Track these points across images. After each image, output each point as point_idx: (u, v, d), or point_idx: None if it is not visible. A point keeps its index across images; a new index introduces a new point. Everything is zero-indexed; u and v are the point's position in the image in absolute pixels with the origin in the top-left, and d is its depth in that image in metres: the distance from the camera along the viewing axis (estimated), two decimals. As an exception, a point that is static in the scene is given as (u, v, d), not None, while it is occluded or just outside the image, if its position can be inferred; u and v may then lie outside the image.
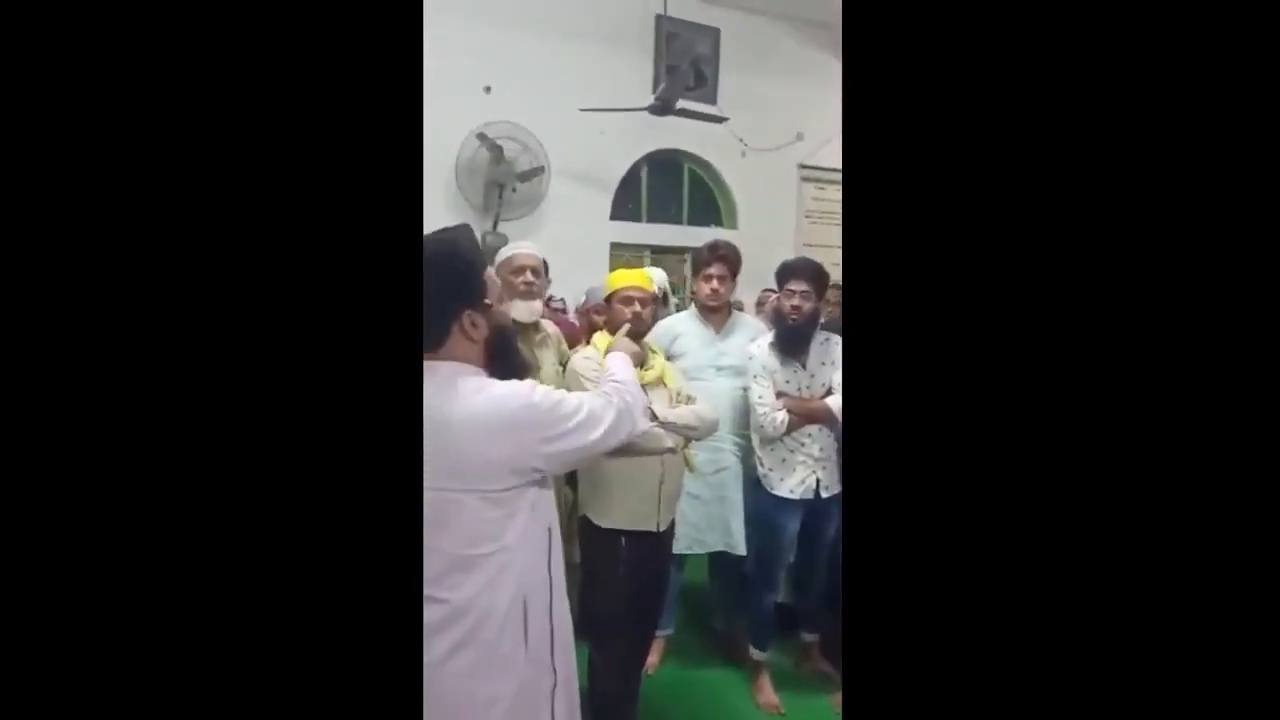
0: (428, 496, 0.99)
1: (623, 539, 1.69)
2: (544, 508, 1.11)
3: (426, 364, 1.07)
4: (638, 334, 1.70)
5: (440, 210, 4.12)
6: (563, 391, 1.13)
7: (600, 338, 1.76)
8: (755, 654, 2.28)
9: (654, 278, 1.92)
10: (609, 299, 1.79)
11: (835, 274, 1.99)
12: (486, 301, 1.10)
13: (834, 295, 2.68)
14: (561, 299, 3.67)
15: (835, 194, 5.39)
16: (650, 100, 4.20)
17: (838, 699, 2.18)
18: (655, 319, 1.91)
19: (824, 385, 2.14)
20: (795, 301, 2.09)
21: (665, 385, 1.77)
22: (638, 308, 1.73)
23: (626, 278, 1.78)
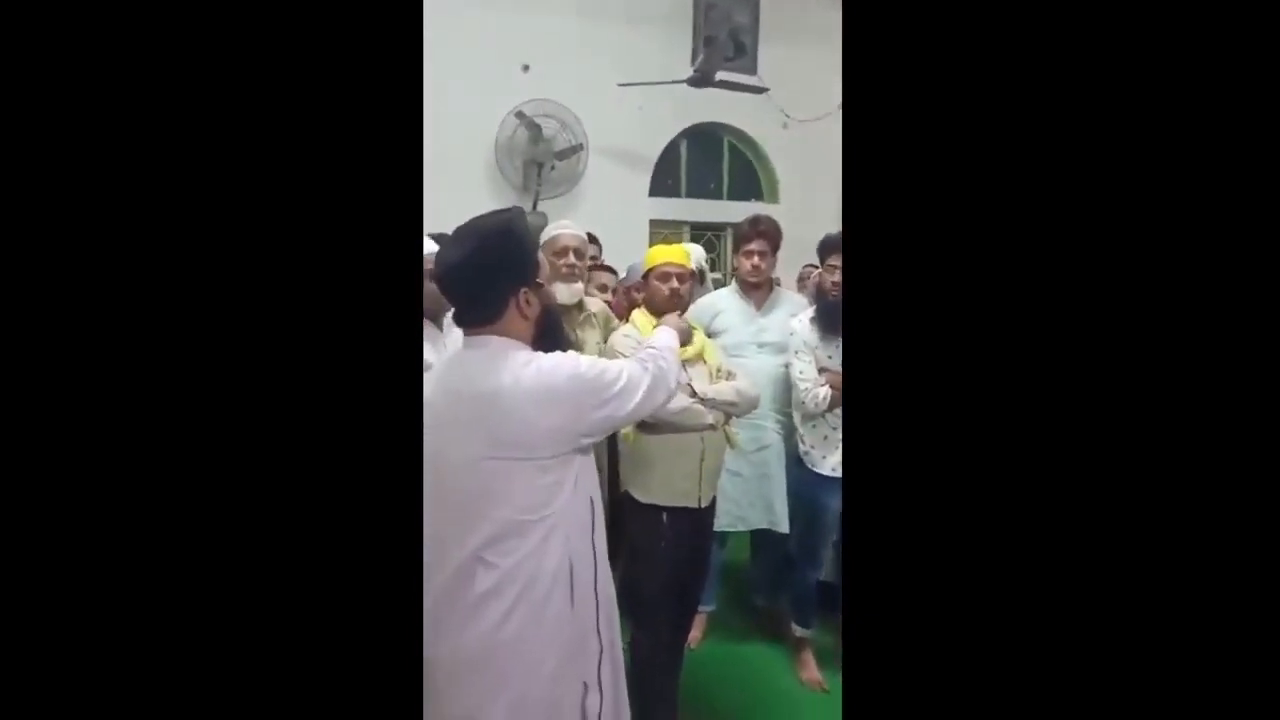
0: (483, 465, 1.06)
1: (664, 515, 1.70)
2: (587, 478, 1.15)
3: (476, 339, 1.13)
4: (678, 310, 1.70)
5: (480, 191, 4.14)
6: (605, 360, 1.18)
7: (639, 315, 1.76)
8: (798, 631, 2.27)
9: (691, 254, 1.90)
10: (647, 275, 1.79)
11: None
12: (538, 281, 1.15)
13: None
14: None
15: (880, 164, 5.22)
16: (689, 73, 4.13)
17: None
18: (693, 296, 1.90)
19: (868, 361, 2.10)
20: (838, 277, 2.05)
21: (705, 362, 1.76)
22: (675, 284, 1.73)
23: (664, 254, 1.78)
